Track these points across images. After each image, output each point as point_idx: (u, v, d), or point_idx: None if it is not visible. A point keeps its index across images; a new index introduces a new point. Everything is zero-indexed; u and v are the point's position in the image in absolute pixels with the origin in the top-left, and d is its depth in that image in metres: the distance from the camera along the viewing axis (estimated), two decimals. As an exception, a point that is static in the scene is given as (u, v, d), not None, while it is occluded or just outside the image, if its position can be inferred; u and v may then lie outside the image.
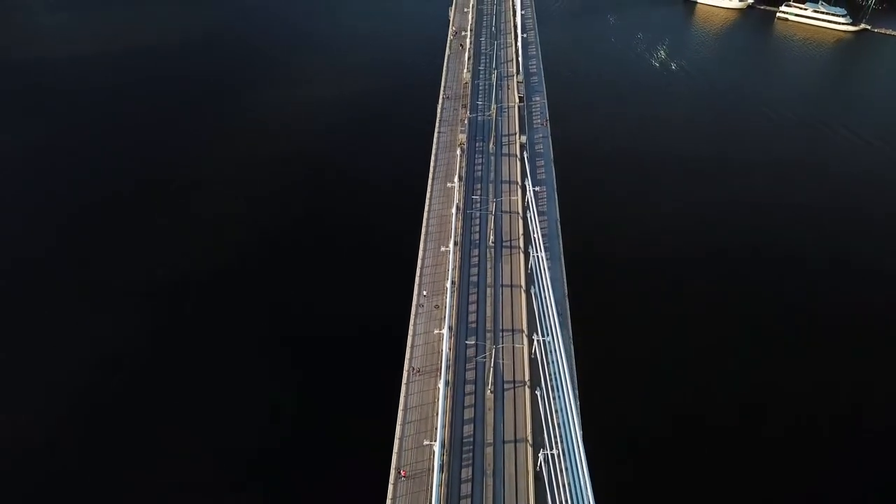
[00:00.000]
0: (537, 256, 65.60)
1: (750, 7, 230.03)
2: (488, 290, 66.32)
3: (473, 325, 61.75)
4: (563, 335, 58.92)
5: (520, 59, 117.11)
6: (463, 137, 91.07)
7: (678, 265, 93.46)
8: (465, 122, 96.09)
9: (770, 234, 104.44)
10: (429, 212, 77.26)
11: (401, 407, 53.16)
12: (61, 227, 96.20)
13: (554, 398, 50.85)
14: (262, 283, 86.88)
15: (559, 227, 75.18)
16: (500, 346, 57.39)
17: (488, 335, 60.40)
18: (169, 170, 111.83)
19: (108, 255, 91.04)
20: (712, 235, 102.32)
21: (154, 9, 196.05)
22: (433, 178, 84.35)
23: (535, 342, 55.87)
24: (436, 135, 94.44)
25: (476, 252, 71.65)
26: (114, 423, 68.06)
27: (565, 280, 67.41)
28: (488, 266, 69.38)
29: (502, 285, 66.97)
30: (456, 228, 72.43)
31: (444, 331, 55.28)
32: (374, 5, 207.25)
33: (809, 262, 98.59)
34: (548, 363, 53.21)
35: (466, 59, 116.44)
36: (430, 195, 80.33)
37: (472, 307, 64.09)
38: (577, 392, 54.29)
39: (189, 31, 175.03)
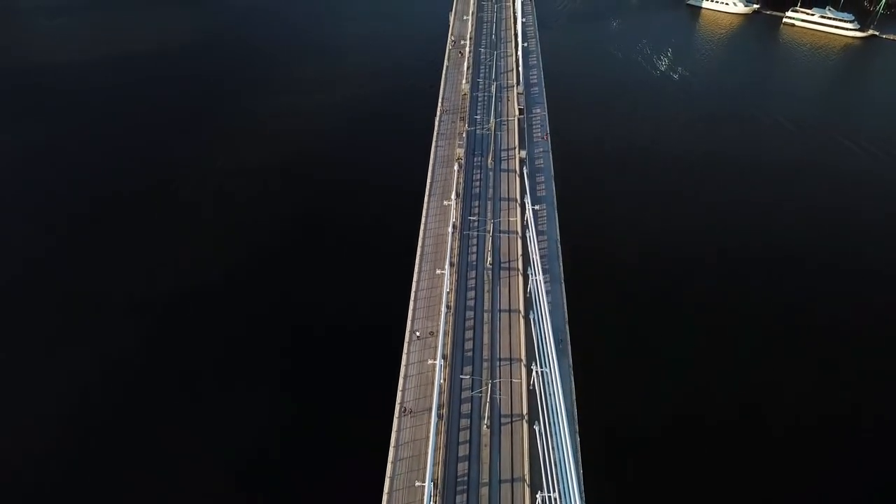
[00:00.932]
0: (536, 280, 64.06)
1: (755, 12, 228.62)
2: (485, 315, 64.48)
3: (469, 354, 59.91)
4: (562, 365, 57.26)
5: (520, 68, 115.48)
6: (461, 152, 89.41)
7: (685, 290, 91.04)
8: (464, 135, 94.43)
9: (783, 249, 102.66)
10: (425, 231, 75.48)
11: (392, 444, 51.31)
12: (61, 227, 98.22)
13: (552, 434, 49.02)
14: (249, 306, 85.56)
15: (559, 247, 73.33)
16: (498, 380, 55.50)
17: (485, 364, 58.58)
18: (168, 170, 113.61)
19: (105, 254, 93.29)
20: (723, 257, 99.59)
21: (151, 13, 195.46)
22: (430, 195, 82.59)
23: (534, 373, 54.10)
24: (433, 149, 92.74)
25: (473, 274, 69.85)
26: (111, 422, 69.13)
27: (565, 304, 65.53)
28: (486, 289, 67.55)
29: (500, 310, 65.13)
30: (452, 249, 70.90)
31: (438, 361, 53.36)
32: (371, 12, 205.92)
33: (825, 276, 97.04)
34: (547, 396, 51.37)
35: (466, 68, 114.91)
36: (427, 213, 78.58)
37: (469, 333, 62.25)
38: (576, 428, 52.63)
39: (184, 36, 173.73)
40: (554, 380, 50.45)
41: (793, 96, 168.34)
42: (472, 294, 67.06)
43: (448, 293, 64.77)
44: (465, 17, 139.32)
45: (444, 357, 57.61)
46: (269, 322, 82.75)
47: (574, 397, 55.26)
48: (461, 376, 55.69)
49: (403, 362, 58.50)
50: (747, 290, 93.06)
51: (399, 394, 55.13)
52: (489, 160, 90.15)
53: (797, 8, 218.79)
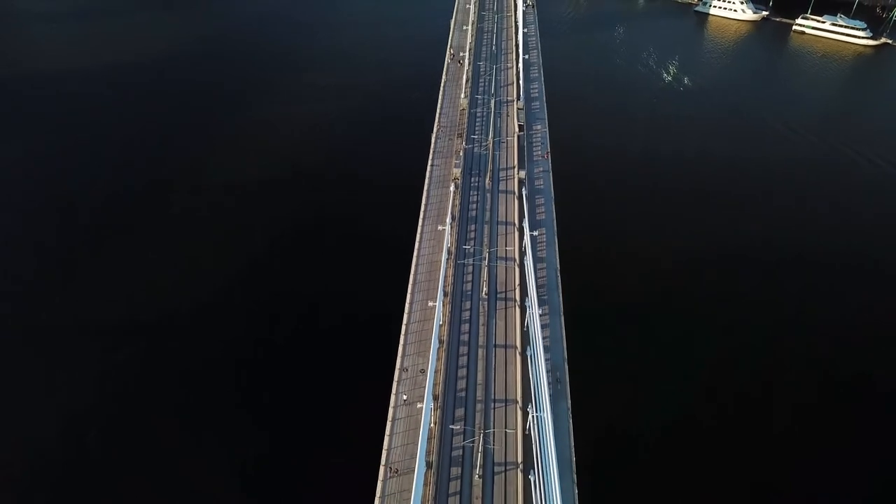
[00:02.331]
0: (533, 313, 61.67)
1: (765, 19, 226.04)
2: (480, 351, 62.05)
3: (462, 395, 57.44)
4: (560, 408, 54.98)
5: (521, 82, 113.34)
6: (457, 172, 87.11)
7: (693, 322, 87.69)
8: (461, 154, 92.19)
9: (806, 285, 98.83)
10: (418, 258, 73.16)
11: (377, 495, 48.84)
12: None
13: (549, 484, 46.42)
14: (235, 336, 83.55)
15: (559, 276, 70.82)
16: (491, 430, 52.90)
17: (479, 406, 56.10)
18: (155, 185, 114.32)
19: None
20: (736, 286, 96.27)
21: (148, 19, 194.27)
22: (424, 219, 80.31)
23: (531, 417, 51.57)
24: (429, 168, 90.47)
25: (468, 305, 67.43)
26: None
27: (564, 339, 63.01)
28: (480, 322, 65.15)
29: (495, 345, 62.71)
30: (446, 278, 68.52)
31: (425, 405, 50.69)
32: (369, 23, 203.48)
33: (859, 335, 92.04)
34: (544, 442, 48.81)
35: (464, 82, 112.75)
36: (420, 239, 76.26)
37: (462, 371, 59.81)
38: (574, 478, 50.13)
39: (169, 49, 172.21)
40: (551, 424, 48.04)
41: (805, 107, 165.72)
42: (466, 328, 64.63)
43: (441, 326, 62.56)
44: (464, 28, 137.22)
45: (434, 398, 55.35)
46: (248, 363, 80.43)
47: (573, 443, 52.75)
48: (451, 426, 53.02)
49: (392, 403, 56.09)
50: (762, 329, 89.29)
51: (386, 441, 52.68)
52: (487, 180, 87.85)
53: (807, 15, 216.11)
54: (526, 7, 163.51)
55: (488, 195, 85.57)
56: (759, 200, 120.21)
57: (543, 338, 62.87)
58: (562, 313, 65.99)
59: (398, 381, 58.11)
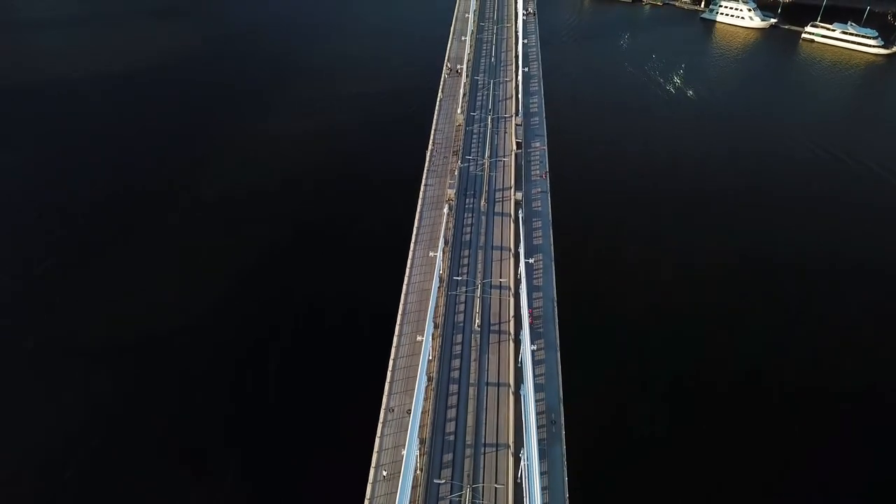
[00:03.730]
0: (526, 348, 59.36)
1: (773, 27, 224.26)
2: (471, 389, 59.64)
3: (451, 438, 55.03)
4: (554, 452, 52.65)
5: (520, 96, 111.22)
6: (451, 193, 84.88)
7: (700, 359, 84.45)
8: (456, 173, 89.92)
9: (820, 317, 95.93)
10: (408, 286, 70.84)
11: (358, 552, 46.46)
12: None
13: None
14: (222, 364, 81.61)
15: (556, 307, 68.38)
16: (480, 484, 50.40)
17: (468, 451, 53.69)
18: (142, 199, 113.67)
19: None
20: (746, 321, 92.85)
21: (143, 28, 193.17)
22: (416, 242, 78.06)
23: (522, 463, 49.12)
24: (422, 188, 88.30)
25: (459, 338, 65.07)
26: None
27: (560, 376, 60.54)
28: (472, 358, 62.74)
29: (487, 383, 60.31)
30: (437, 308, 66.25)
31: (407, 452, 47.88)
32: (365, 33, 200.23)
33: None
34: (536, 491, 46.35)
35: (461, 95, 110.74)
36: (411, 265, 73.99)
37: (451, 413, 57.41)
38: (569, 533, 47.65)
39: (170, 57, 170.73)
40: (548, 472, 45.80)
41: (814, 117, 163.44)
42: (456, 363, 62.28)
43: (430, 361, 60.24)
44: (463, 38, 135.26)
45: (420, 441, 52.93)
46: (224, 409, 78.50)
47: (567, 494, 50.23)
48: (436, 481, 50.54)
49: (376, 448, 53.73)
50: (780, 385, 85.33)
51: (369, 490, 50.29)
52: (482, 202, 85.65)
53: (817, 23, 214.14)
54: (527, 16, 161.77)
55: (483, 218, 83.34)
56: (778, 235, 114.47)
57: (538, 375, 60.78)
58: (558, 347, 63.49)
59: (383, 423, 55.77)
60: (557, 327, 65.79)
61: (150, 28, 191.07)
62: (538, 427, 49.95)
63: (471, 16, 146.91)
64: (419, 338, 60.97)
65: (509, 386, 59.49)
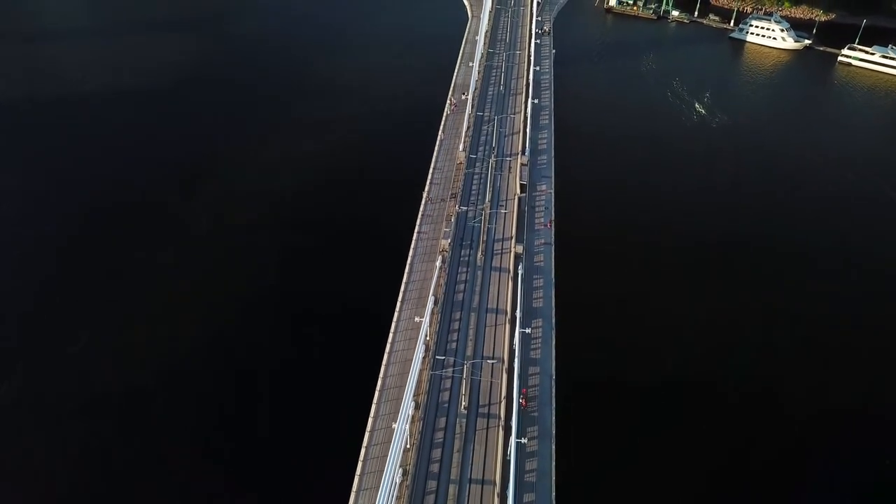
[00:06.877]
0: (519, 441, 53.78)
1: (807, 48, 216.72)
2: (451, 488, 53.85)
3: (423, 553, 49.27)
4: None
5: (528, 130, 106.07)
6: (446, 244, 79.51)
7: (711, 449, 77.32)
8: (452, 220, 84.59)
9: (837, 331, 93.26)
10: (389, 357, 65.50)
11: None
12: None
13: None
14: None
15: (554, 384, 62.57)
16: None
17: (442, 569, 47.93)
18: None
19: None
20: (761, 386, 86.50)
21: (151, 40, 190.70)
22: (403, 301, 72.84)
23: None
24: (415, 237, 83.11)
25: (443, 423, 59.43)
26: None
27: (553, 474, 54.59)
28: (455, 448, 57.02)
29: (470, 480, 54.50)
30: (419, 385, 60.75)
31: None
32: (366, 58, 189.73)
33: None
34: None
35: (465, 129, 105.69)
36: (395, 330, 68.68)
37: (427, 517, 51.70)
38: None
39: (167, 73, 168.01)
40: None
41: (848, 147, 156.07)
42: (437, 454, 56.59)
43: (406, 451, 54.69)
44: (470, 64, 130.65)
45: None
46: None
47: None
48: None
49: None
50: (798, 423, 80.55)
51: None
52: (479, 254, 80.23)
53: (854, 45, 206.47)
54: (541, 34, 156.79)
55: (479, 273, 77.88)
56: (799, 253, 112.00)
57: (529, 471, 55.13)
58: (553, 437, 57.63)
59: (349, 534, 50.24)
60: (554, 411, 59.97)
61: (153, 42, 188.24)
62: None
63: (480, 38, 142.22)
64: (393, 424, 55.55)
65: (495, 485, 53.59)
